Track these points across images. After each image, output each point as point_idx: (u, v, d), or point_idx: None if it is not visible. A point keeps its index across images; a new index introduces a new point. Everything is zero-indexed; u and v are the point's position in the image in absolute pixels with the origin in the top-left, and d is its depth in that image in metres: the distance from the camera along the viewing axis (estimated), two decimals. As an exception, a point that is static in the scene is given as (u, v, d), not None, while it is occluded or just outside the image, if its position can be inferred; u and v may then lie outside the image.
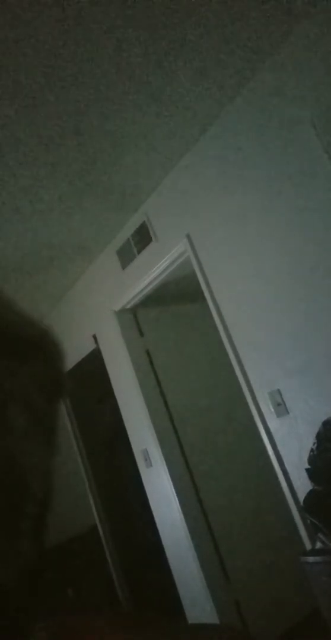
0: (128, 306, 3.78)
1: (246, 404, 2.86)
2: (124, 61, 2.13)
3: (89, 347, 4.14)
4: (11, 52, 1.85)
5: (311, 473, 2.32)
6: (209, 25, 2.12)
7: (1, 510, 0.31)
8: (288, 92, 2.45)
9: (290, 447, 2.66)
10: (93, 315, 4.05)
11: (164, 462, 3.53)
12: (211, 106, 2.68)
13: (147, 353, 3.79)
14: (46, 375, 0.36)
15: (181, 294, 3.86)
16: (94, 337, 4.07)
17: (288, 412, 2.65)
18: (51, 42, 1.87)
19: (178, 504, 3.46)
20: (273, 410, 2.70)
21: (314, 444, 2.33)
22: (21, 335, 0.36)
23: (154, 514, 3.72)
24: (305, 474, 2.38)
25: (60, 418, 0.39)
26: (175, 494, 3.48)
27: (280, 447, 2.71)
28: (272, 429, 2.74)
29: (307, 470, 2.35)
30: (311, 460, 2.33)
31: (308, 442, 2.40)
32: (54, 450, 0.36)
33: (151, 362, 3.77)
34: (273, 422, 2.73)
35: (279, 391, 2.68)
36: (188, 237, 3.10)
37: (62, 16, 1.79)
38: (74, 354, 4.19)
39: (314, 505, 2.29)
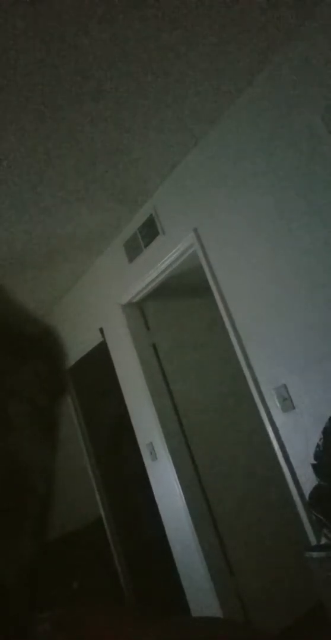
0: (135, 300, 3.77)
1: (252, 398, 2.85)
2: (133, 53, 2.11)
3: (96, 340, 4.14)
4: (18, 44, 1.85)
5: (317, 468, 2.32)
6: (221, 16, 2.11)
7: (3, 509, 0.31)
8: (298, 86, 2.43)
9: (295, 442, 2.65)
10: (100, 308, 4.05)
11: (169, 456, 3.53)
12: (220, 100, 2.66)
13: (154, 347, 3.79)
14: (48, 373, 0.36)
15: (188, 288, 3.85)
16: (101, 330, 4.07)
17: (294, 407, 2.64)
18: (59, 32, 1.87)
19: (182, 497, 3.47)
20: (279, 405, 2.70)
21: (320, 439, 2.33)
22: (24, 333, 0.36)
23: (159, 507, 3.73)
24: (310, 470, 2.38)
25: (62, 416, 0.39)
26: (180, 488, 3.48)
27: (285, 442, 2.71)
28: (278, 424, 2.73)
29: (313, 465, 2.35)
30: (317, 455, 2.33)
31: (314, 437, 2.40)
32: (56, 448, 0.36)
33: (157, 356, 3.77)
34: (279, 417, 2.72)
35: (285, 386, 2.67)
36: (195, 231, 3.09)
37: (73, 3, 1.78)
38: (80, 347, 4.20)
39: (319, 500, 2.29)
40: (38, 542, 0.33)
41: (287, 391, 2.66)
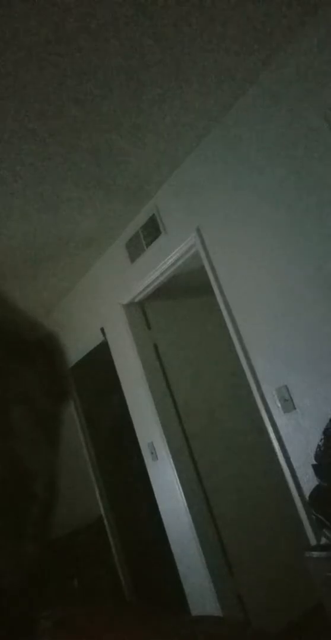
0: (136, 299, 3.78)
1: (253, 399, 2.85)
2: (136, 53, 2.12)
3: (97, 339, 4.15)
4: (20, 41, 1.85)
5: (318, 469, 2.32)
6: (222, 14, 2.10)
7: (5, 513, 0.31)
8: (301, 85, 2.43)
9: (296, 442, 2.65)
10: (101, 308, 4.05)
11: (170, 456, 3.54)
12: (222, 98, 2.66)
13: (155, 346, 3.79)
14: (50, 377, 0.36)
15: (190, 288, 3.86)
16: (102, 329, 4.08)
17: (295, 408, 2.64)
18: (61, 30, 1.87)
19: (183, 497, 3.47)
20: (280, 405, 2.70)
21: (321, 440, 2.33)
22: (25, 337, 0.36)
23: (160, 506, 3.74)
24: (311, 470, 2.38)
25: (64, 419, 0.38)
26: (180, 488, 3.49)
27: (286, 443, 2.71)
28: (279, 425, 2.73)
29: (313, 466, 2.35)
30: (317, 456, 2.33)
31: (315, 438, 2.40)
32: (59, 451, 0.36)
33: (158, 356, 3.77)
34: (280, 418, 2.72)
35: (286, 387, 2.67)
36: (198, 230, 3.09)
37: (76, 3, 1.78)
38: (81, 346, 4.20)
39: (320, 501, 2.29)
40: (40, 543, 0.33)
41: (288, 392, 2.66)
